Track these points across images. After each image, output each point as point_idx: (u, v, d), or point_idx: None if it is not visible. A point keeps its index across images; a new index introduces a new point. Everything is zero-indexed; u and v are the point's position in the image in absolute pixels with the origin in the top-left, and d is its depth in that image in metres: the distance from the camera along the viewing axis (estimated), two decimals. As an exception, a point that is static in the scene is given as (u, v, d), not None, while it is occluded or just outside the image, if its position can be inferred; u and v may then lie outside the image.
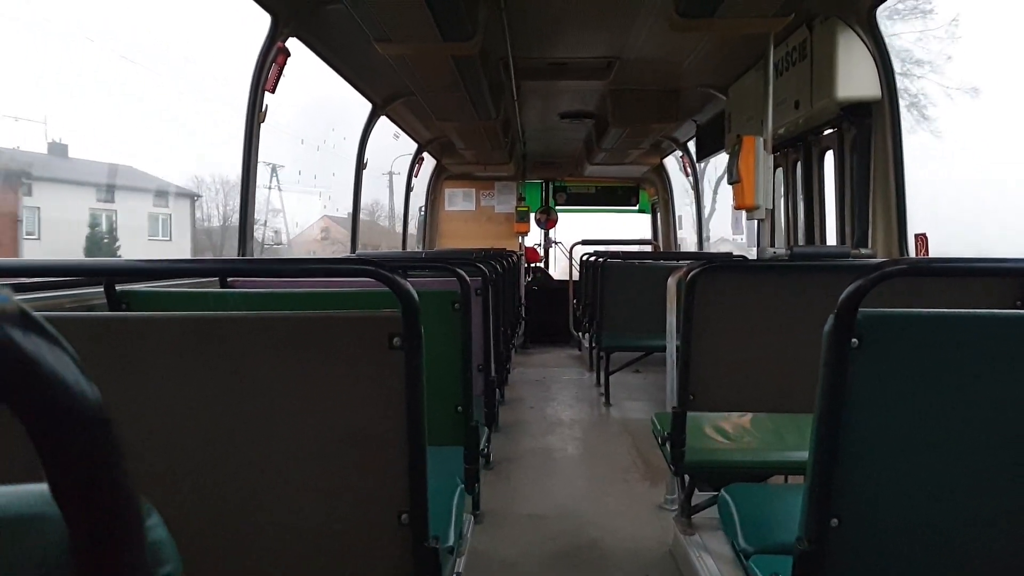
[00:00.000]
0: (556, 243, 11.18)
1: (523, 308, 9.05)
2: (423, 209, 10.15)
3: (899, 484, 1.35)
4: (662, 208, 10.23)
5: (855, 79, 3.62)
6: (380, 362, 1.31)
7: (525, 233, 10.29)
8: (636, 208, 11.00)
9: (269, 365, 1.35)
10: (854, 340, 1.28)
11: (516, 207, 10.29)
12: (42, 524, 0.45)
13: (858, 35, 3.59)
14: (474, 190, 10.77)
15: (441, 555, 1.46)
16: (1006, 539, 1.36)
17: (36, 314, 0.42)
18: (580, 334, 8.77)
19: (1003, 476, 1.33)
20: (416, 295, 1.30)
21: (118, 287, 2.02)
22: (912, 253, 3.54)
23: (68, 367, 0.42)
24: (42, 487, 0.44)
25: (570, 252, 9.97)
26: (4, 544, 0.45)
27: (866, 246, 3.79)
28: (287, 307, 2.07)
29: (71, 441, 0.42)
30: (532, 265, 10.67)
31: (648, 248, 10.68)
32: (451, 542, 1.84)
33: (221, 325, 1.36)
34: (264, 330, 1.35)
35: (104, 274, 2.01)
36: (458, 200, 10.79)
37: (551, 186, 10.99)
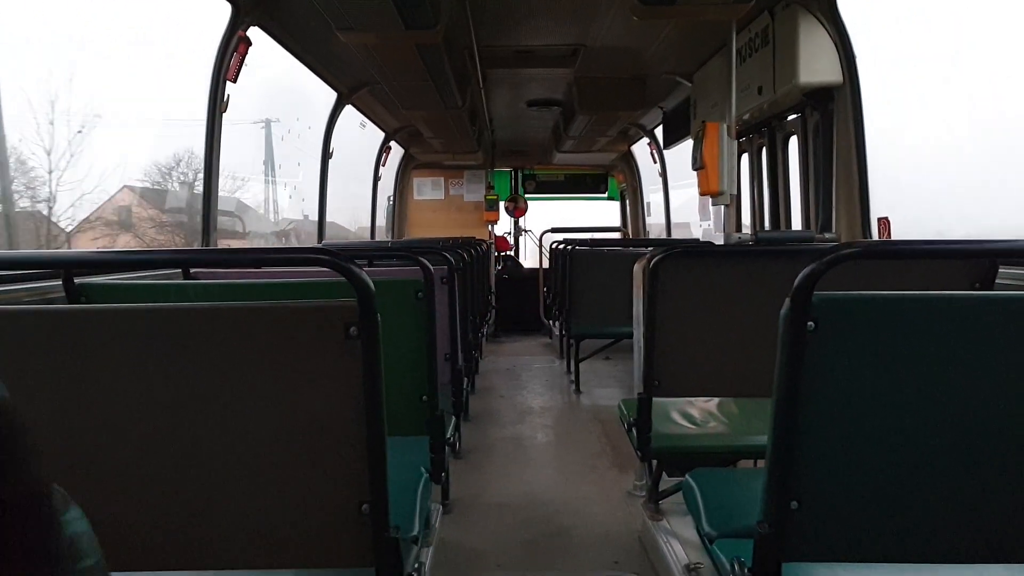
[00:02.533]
0: (526, 231, 11.18)
1: (493, 297, 9.04)
2: (391, 198, 10.09)
3: (857, 466, 1.36)
4: (631, 195, 10.26)
5: (817, 64, 3.64)
6: (337, 352, 1.30)
7: (495, 222, 10.27)
8: (605, 195, 11.02)
9: (227, 356, 1.34)
10: (810, 323, 1.29)
11: (485, 196, 10.26)
12: None
13: (819, 21, 3.62)
14: (443, 179, 10.72)
15: (403, 545, 1.45)
16: (963, 517, 1.38)
17: None
18: (551, 322, 8.79)
19: (959, 455, 1.35)
20: (372, 284, 1.29)
21: (77, 280, 1.99)
22: (875, 236, 3.58)
23: None
24: None
25: (540, 240, 9.98)
26: None
27: (830, 230, 3.83)
28: (248, 298, 2.05)
29: None
30: (503, 254, 10.65)
31: (618, 235, 10.71)
32: (415, 532, 1.84)
33: (179, 317, 1.34)
34: (222, 321, 1.33)
35: (61, 265, 1.97)
36: (427, 189, 10.73)
37: (520, 174, 10.97)
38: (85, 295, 1.95)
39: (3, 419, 0.42)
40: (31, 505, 0.45)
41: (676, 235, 8.49)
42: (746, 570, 1.47)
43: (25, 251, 1.93)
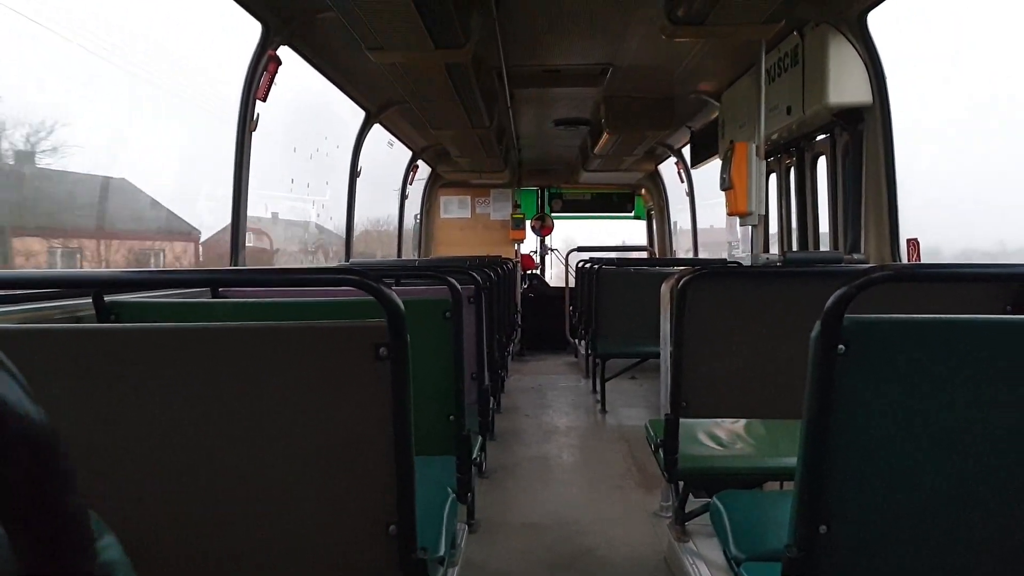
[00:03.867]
0: (552, 250, 11.18)
1: (519, 315, 9.04)
2: (418, 217, 10.14)
3: (887, 491, 1.34)
4: (657, 214, 10.24)
5: (847, 85, 3.62)
6: (366, 372, 1.31)
7: (521, 240, 10.28)
8: (632, 215, 11.00)
9: (256, 376, 1.34)
10: (841, 346, 1.27)
11: (511, 214, 10.28)
12: None
13: (849, 41, 3.60)
14: (469, 197, 10.77)
15: (430, 566, 1.45)
16: (994, 544, 1.36)
17: None
18: (576, 341, 8.77)
19: (991, 482, 1.33)
20: (402, 305, 1.30)
21: (107, 298, 2.01)
22: (904, 258, 3.54)
23: (11, 390, 0.42)
24: None
25: (566, 259, 9.97)
26: None
27: (859, 251, 3.79)
28: (276, 317, 2.06)
29: (13, 463, 0.42)
30: (528, 272, 10.66)
31: (644, 254, 10.68)
32: (442, 552, 1.83)
33: (208, 336, 1.35)
34: (251, 341, 1.34)
35: (92, 285, 2.00)
36: (453, 208, 10.78)
37: (546, 193, 10.98)
38: (115, 313, 1.98)
39: (44, 443, 0.43)
40: (68, 531, 0.45)
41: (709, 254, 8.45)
42: None
43: (56, 270, 1.97)
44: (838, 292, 1.27)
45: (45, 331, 1.37)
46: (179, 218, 4.87)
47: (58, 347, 1.34)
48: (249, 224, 3.83)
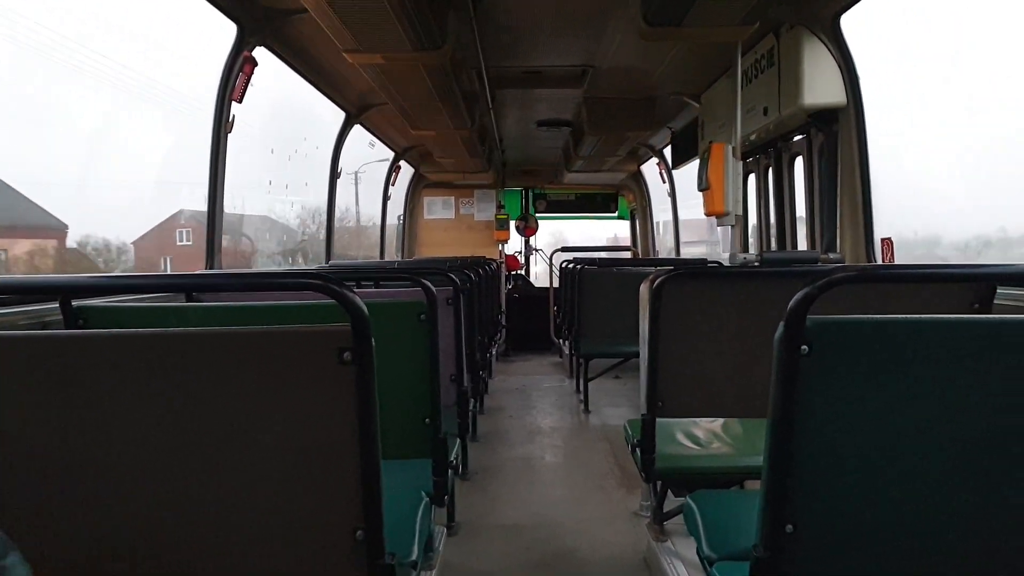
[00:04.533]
0: (537, 250, 11.19)
1: (503, 316, 9.04)
2: (401, 218, 10.13)
3: (852, 489, 1.35)
4: (640, 215, 10.27)
5: (821, 86, 3.65)
6: (331, 377, 1.30)
7: (505, 241, 10.29)
8: (615, 215, 11.04)
9: (223, 381, 1.34)
10: (804, 347, 1.28)
11: (496, 215, 10.29)
12: None
13: (823, 42, 3.62)
14: (453, 198, 10.76)
15: (400, 571, 1.45)
16: (960, 540, 1.37)
17: None
18: (561, 341, 8.78)
19: (954, 479, 1.34)
20: (365, 308, 1.29)
21: (75, 302, 1.99)
22: (878, 257, 3.57)
23: None
24: None
25: (550, 259, 9.98)
26: None
27: (835, 251, 3.82)
28: (247, 320, 2.05)
29: None
30: (513, 273, 10.66)
31: (627, 254, 10.71)
32: (414, 556, 1.83)
33: (175, 342, 1.34)
34: (218, 346, 1.34)
35: (59, 291, 1.97)
36: (437, 208, 10.77)
37: (530, 193, 11.00)
38: (83, 318, 1.96)
39: None
40: None
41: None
42: None
43: (22, 276, 1.95)
44: (800, 293, 1.27)
45: (10, 338, 1.35)
46: (40, 209, 4.16)
47: (24, 354, 1.33)
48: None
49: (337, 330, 1.29)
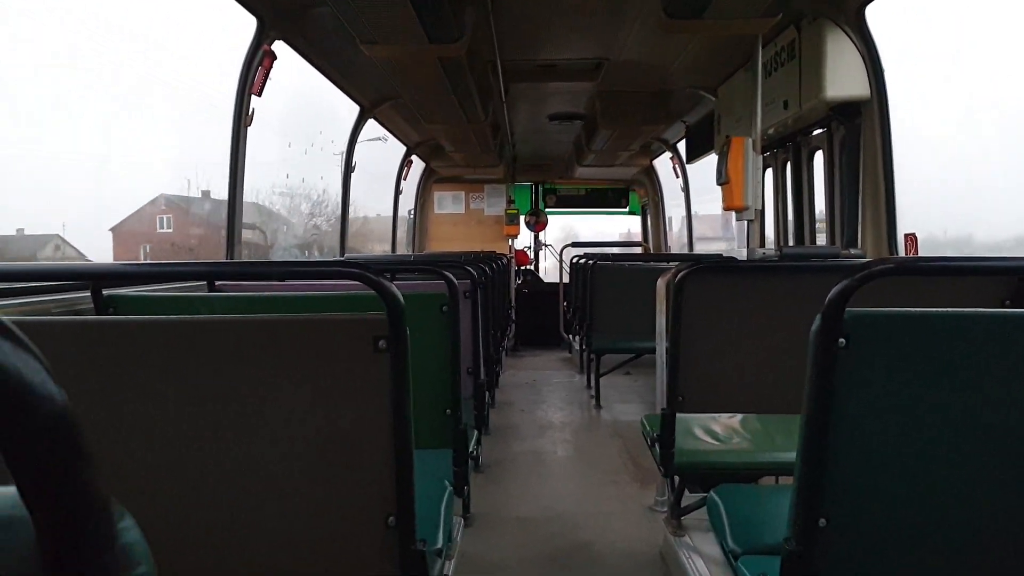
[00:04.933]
0: (546, 245, 11.17)
1: (513, 311, 9.03)
2: (412, 212, 10.12)
3: (887, 484, 1.34)
4: (652, 210, 10.24)
5: (844, 79, 3.61)
6: (366, 365, 1.30)
7: (515, 236, 10.27)
8: (626, 210, 11.01)
9: (255, 368, 1.34)
10: (841, 340, 1.27)
11: (506, 210, 10.27)
12: (11, 525, 0.46)
13: (847, 35, 3.59)
14: (463, 193, 10.75)
15: (429, 558, 1.44)
16: (995, 538, 1.36)
17: (4, 318, 0.41)
18: (570, 336, 8.77)
19: (991, 475, 1.33)
20: (402, 298, 1.29)
21: (105, 291, 2.01)
22: (901, 252, 3.54)
23: (35, 371, 0.43)
24: (11, 489, 0.45)
25: (560, 254, 9.97)
26: None
27: (856, 246, 3.79)
28: (274, 310, 2.05)
29: (37, 444, 0.43)
30: (522, 268, 10.65)
31: (638, 250, 10.68)
32: (439, 545, 1.83)
33: (207, 329, 1.35)
34: (250, 333, 1.34)
35: (90, 277, 1.99)
36: (447, 203, 10.76)
37: (541, 188, 10.98)
38: (113, 306, 1.97)
39: (68, 425, 0.43)
40: (91, 512, 0.46)
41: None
42: None
43: (55, 263, 1.96)
44: (839, 285, 1.26)
45: (44, 323, 1.36)
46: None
47: (57, 340, 1.33)
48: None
49: (374, 319, 1.29)
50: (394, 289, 1.29)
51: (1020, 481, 1.33)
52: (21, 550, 0.45)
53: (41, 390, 0.43)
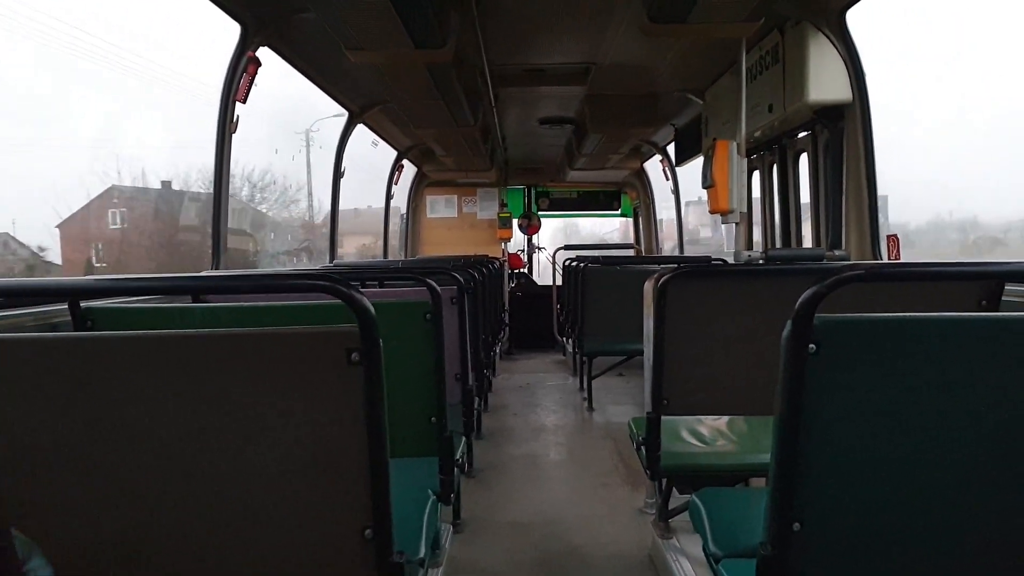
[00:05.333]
0: (539, 248, 11.18)
1: (507, 314, 9.03)
2: (404, 217, 10.12)
3: (860, 488, 1.35)
4: (643, 212, 10.25)
5: (826, 82, 3.64)
6: (338, 377, 1.30)
7: (508, 239, 10.28)
8: (618, 212, 11.02)
9: (231, 382, 1.34)
10: (811, 346, 1.28)
11: (498, 213, 10.27)
12: None
13: (828, 38, 3.62)
14: (456, 197, 10.74)
15: (408, 569, 1.45)
16: (967, 540, 1.37)
17: None
18: (564, 339, 8.78)
19: (963, 478, 1.34)
20: (372, 309, 1.29)
21: (82, 303, 2.00)
22: (884, 254, 3.56)
23: None
24: None
25: (553, 257, 9.98)
26: None
27: (840, 247, 3.81)
28: (254, 321, 2.05)
29: None
30: (516, 271, 10.65)
31: (631, 252, 10.70)
32: (422, 554, 1.83)
33: (183, 343, 1.35)
34: (226, 347, 1.34)
35: (67, 295, 1.98)
36: (440, 207, 10.76)
37: (533, 191, 10.98)
38: (91, 319, 1.97)
39: None
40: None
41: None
42: None
43: (31, 279, 1.95)
44: (807, 292, 1.27)
45: (19, 340, 1.36)
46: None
47: (32, 355, 1.33)
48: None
49: (345, 331, 1.29)
50: (364, 300, 1.29)
51: (992, 483, 1.34)
52: None
53: None
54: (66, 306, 1.96)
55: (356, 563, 1.37)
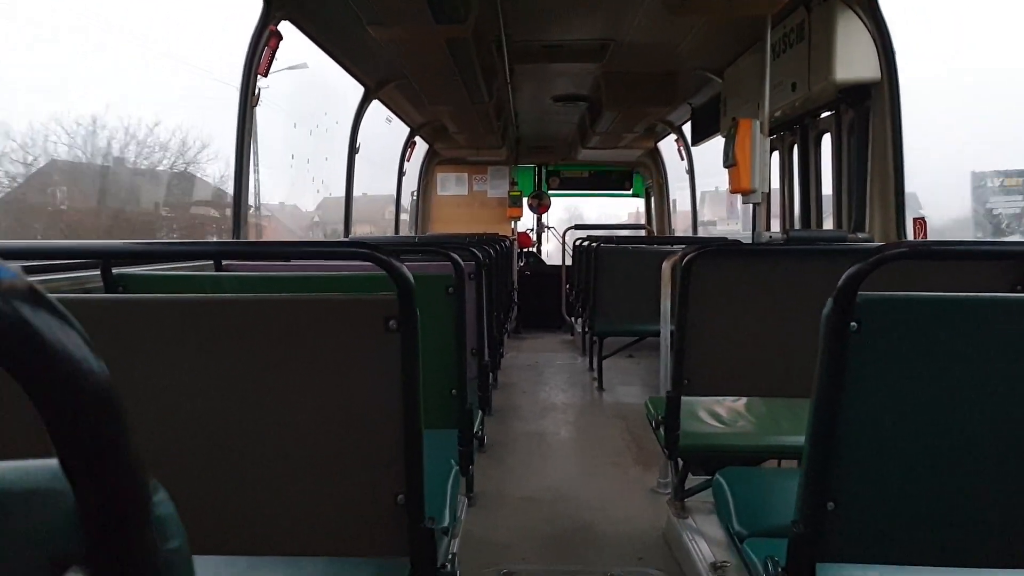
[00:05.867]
0: (549, 228, 11.15)
1: (515, 293, 9.03)
2: (415, 194, 10.10)
3: (896, 468, 1.34)
4: (656, 192, 10.21)
5: (854, 61, 3.59)
6: (376, 345, 1.31)
7: (518, 218, 10.25)
8: (630, 192, 10.97)
9: (265, 348, 1.34)
10: (853, 324, 1.27)
11: (509, 192, 10.23)
12: (53, 498, 0.46)
13: (858, 15, 3.56)
14: (466, 175, 10.71)
15: (437, 536, 1.45)
16: (1004, 522, 1.36)
17: (48, 294, 0.43)
18: (573, 319, 8.77)
19: (1000, 458, 1.33)
20: (411, 278, 1.29)
21: (114, 270, 2.01)
22: (910, 237, 3.53)
23: (77, 344, 0.43)
24: (52, 462, 0.45)
25: (563, 237, 9.95)
26: (16, 518, 0.46)
27: (863, 230, 3.78)
28: (282, 290, 2.06)
29: (80, 417, 0.43)
30: (525, 250, 10.63)
31: (642, 232, 10.66)
32: (446, 523, 1.84)
33: (217, 308, 1.35)
34: (260, 313, 1.34)
35: (100, 256, 1.99)
36: (451, 185, 10.73)
37: (544, 170, 10.93)
38: (123, 285, 1.97)
39: (109, 398, 0.44)
40: (130, 486, 0.47)
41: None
42: (780, 569, 1.45)
43: (65, 242, 1.97)
44: (852, 269, 1.26)
45: (57, 301, 1.35)
46: None
47: None
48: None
49: (384, 299, 1.29)
50: (404, 269, 1.29)
51: None
52: (63, 523, 0.46)
53: (83, 363, 0.43)
54: (98, 272, 1.97)
55: (388, 528, 1.37)
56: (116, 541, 0.46)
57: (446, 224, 10.49)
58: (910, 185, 3.54)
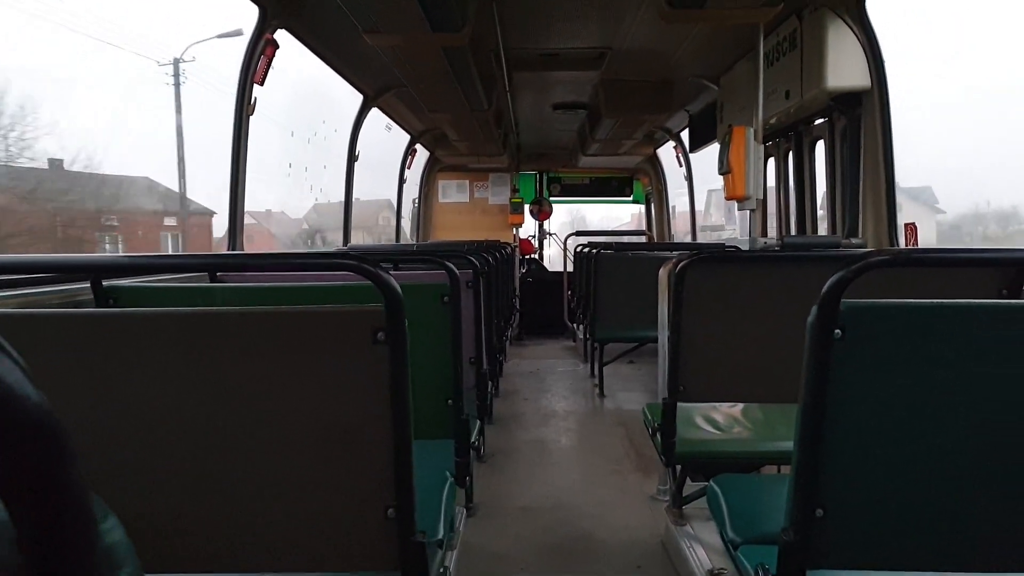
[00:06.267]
0: (551, 234, 11.16)
1: (517, 300, 9.04)
2: (416, 201, 10.11)
3: (883, 474, 1.35)
4: (656, 199, 10.22)
5: (845, 69, 3.61)
6: (365, 357, 1.31)
7: (519, 224, 10.26)
8: (630, 199, 10.98)
9: (255, 361, 1.35)
10: (837, 331, 1.28)
11: (510, 198, 10.25)
12: None
13: (847, 24, 3.59)
14: (468, 181, 10.72)
15: (429, 549, 1.46)
16: (990, 526, 1.37)
17: None
18: (575, 325, 8.77)
19: (986, 463, 1.34)
20: (399, 289, 1.30)
21: (105, 282, 2.01)
22: (901, 242, 3.54)
23: (11, 372, 0.42)
24: None
25: (564, 243, 9.96)
26: None
27: (857, 236, 3.79)
28: (274, 302, 2.06)
29: (15, 446, 0.42)
30: (527, 257, 10.64)
31: (642, 239, 10.67)
32: (440, 535, 1.84)
33: (207, 321, 1.35)
34: (250, 326, 1.34)
35: (90, 270, 2.00)
36: (452, 192, 10.74)
37: (545, 177, 10.95)
38: (113, 298, 1.98)
39: (45, 426, 0.43)
40: (71, 513, 0.46)
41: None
42: None
43: (54, 255, 1.97)
44: (834, 277, 1.27)
45: (43, 316, 1.37)
46: None
47: (57, 332, 1.34)
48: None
49: (372, 311, 1.30)
50: (391, 280, 1.30)
51: (1015, 470, 1.34)
52: (5, 553, 0.45)
53: (18, 391, 0.42)
54: (88, 284, 1.97)
55: (379, 542, 1.38)
56: (56, 569, 0.45)
57: (448, 231, 10.50)
58: (926, 180, 3.57)
